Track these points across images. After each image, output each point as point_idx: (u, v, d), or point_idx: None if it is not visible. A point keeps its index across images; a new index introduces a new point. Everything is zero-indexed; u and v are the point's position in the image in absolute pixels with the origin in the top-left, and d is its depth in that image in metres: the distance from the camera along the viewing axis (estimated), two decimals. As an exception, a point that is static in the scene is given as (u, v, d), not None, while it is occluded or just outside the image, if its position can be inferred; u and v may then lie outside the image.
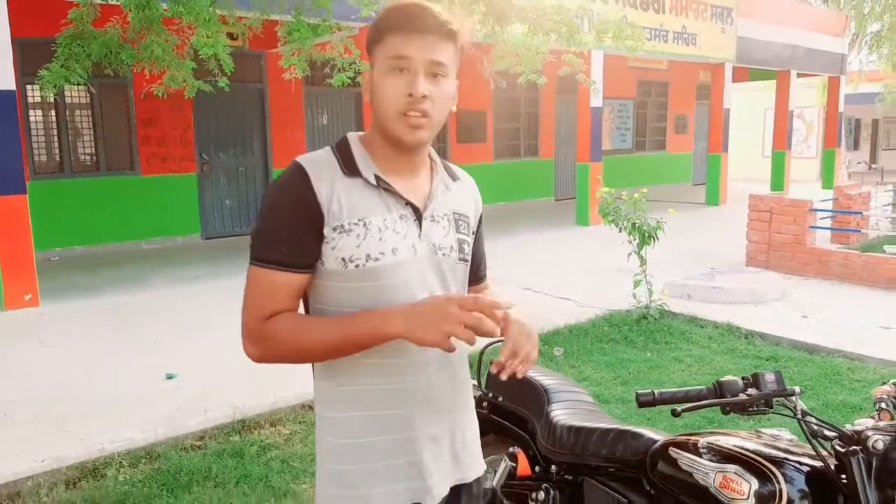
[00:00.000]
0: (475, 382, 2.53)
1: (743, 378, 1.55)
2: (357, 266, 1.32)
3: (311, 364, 1.43)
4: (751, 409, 1.50)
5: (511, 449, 2.24)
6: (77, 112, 9.18)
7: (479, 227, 1.58)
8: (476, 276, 1.61)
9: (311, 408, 4.03)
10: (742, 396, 1.50)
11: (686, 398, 1.54)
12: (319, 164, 1.34)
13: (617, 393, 4.33)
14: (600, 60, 10.93)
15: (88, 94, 8.96)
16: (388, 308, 1.30)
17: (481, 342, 2.55)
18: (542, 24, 3.86)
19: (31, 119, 8.75)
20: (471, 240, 1.50)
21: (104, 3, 3.99)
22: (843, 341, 5.24)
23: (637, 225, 5.72)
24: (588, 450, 2.00)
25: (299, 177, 1.32)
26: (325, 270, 1.34)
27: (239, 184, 10.47)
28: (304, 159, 1.35)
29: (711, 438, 1.69)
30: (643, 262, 5.80)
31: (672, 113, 17.40)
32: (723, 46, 13.21)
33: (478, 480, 1.53)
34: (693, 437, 1.73)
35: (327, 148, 1.40)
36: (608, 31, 4.17)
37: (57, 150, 9.05)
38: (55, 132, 9.00)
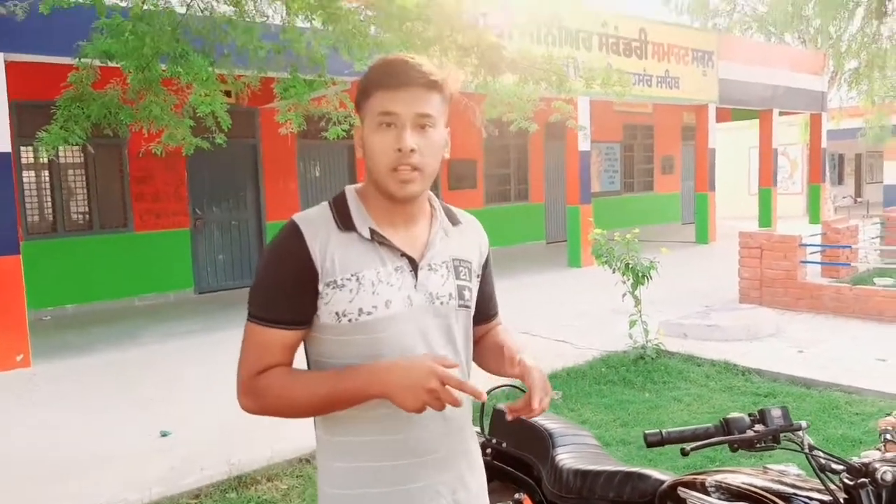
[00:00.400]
0: (478, 429, 2.54)
1: (749, 414, 1.56)
2: (350, 320, 1.34)
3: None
4: (758, 445, 1.51)
5: (517, 495, 2.23)
6: (71, 172, 9.25)
7: (486, 267, 1.59)
8: (486, 315, 1.62)
9: (308, 461, 3.98)
10: (749, 433, 1.51)
11: (694, 437, 1.55)
12: (314, 222, 1.37)
13: (617, 435, 4.31)
14: (587, 106, 11.17)
15: (82, 154, 9.05)
16: (374, 366, 1.31)
17: (481, 384, 2.56)
18: (533, 74, 3.98)
19: (25, 180, 8.81)
20: (473, 285, 1.50)
21: (104, 65, 4.08)
22: (839, 375, 5.26)
23: (630, 265, 5.77)
24: (595, 493, 1.99)
25: (294, 236, 1.35)
26: (320, 324, 1.36)
27: (232, 238, 10.51)
28: (299, 218, 1.38)
29: (719, 476, 1.69)
30: (638, 302, 5.83)
31: (658, 154, 17.70)
32: (705, 89, 13.54)
33: None
34: (701, 476, 1.73)
35: (325, 203, 1.43)
36: (596, 78, 4.29)
37: (50, 210, 9.08)
38: (48, 192, 9.05)
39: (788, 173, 22.75)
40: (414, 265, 1.39)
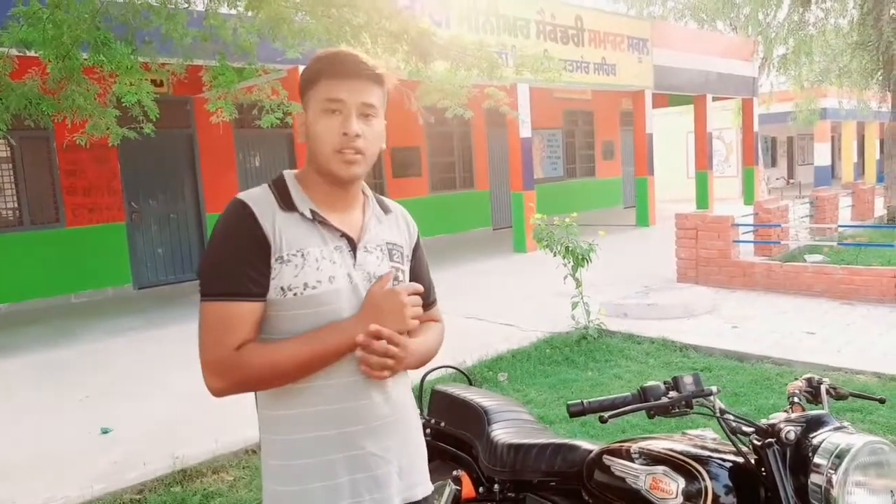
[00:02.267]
0: (418, 410, 2.57)
1: (664, 382, 1.63)
2: (295, 294, 1.39)
3: (253, 395, 1.49)
4: (673, 410, 1.57)
5: (455, 472, 2.27)
6: (-4, 166, 8.88)
7: (417, 253, 1.66)
8: (423, 302, 1.66)
9: (255, 452, 3.95)
10: (664, 399, 1.58)
11: (613, 405, 1.60)
12: (259, 199, 1.43)
13: (561, 413, 4.40)
14: (526, 92, 11.28)
15: (8, 148, 8.68)
16: (345, 320, 1.41)
17: (421, 371, 2.60)
18: (464, 60, 4.00)
19: (-53, 176, 8.42)
20: (405, 267, 1.58)
21: (22, 54, 3.92)
22: (770, 348, 5.49)
23: (570, 248, 5.88)
24: (528, 466, 2.04)
25: (244, 211, 1.40)
26: (266, 299, 1.40)
27: (171, 231, 10.25)
28: (244, 195, 1.44)
29: (643, 443, 1.76)
30: (579, 284, 5.96)
31: (599, 140, 18.01)
32: (641, 75, 13.82)
33: (425, 499, 1.57)
34: (626, 444, 1.80)
35: (264, 185, 1.49)
36: (526, 65, 4.35)
37: (-24, 206, 8.70)
38: (-27, 188, 8.67)
39: (724, 157, 23.47)
40: (353, 245, 1.47)
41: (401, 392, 1.54)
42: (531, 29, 11.38)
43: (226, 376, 1.37)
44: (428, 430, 2.43)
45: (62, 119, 4.01)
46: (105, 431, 4.40)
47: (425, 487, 1.58)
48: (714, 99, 16.75)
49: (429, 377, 2.55)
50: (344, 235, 1.46)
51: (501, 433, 2.19)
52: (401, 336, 1.43)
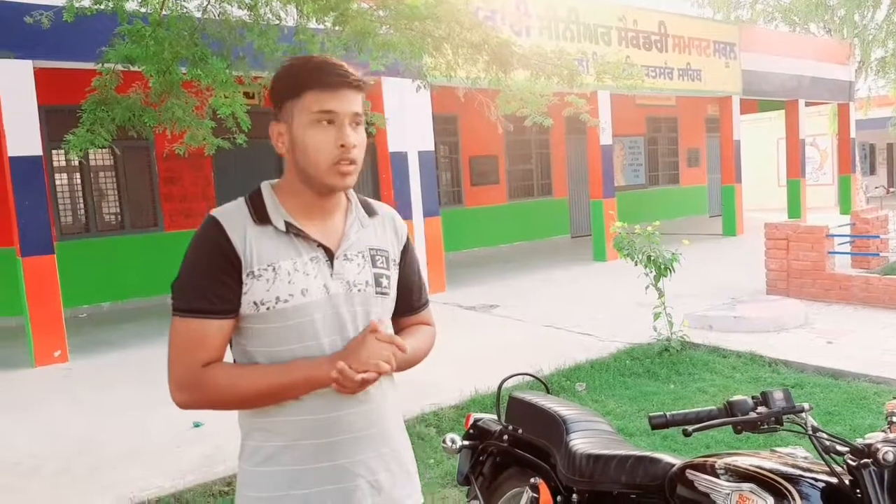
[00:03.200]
0: (495, 416, 2.58)
1: (753, 397, 1.58)
2: (268, 308, 1.39)
3: None
4: (761, 426, 1.53)
5: (532, 480, 2.26)
6: (101, 174, 9.49)
7: (406, 256, 1.62)
8: (410, 306, 1.66)
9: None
10: (752, 415, 1.53)
11: (697, 419, 1.57)
12: (231, 216, 1.43)
13: (641, 426, 4.31)
14: (607, 100, 11.12)
15: (112, 156, 9.27)
16: (318, 359, 1.40)
17: (499, 375, 2.61)
18: (545, 69, 3.99)
19: (57, 182, 9.05)
20: (391, 272, 1.56)
21: (126, 69, 4.20)
22: (867, 365, 5.19)
23: (652, 258, 5.75)
24: (608, 477, 2.02)
25: (215, 229, 1.40)
26: (241, 314, 1.41)
27: (259, 236, 10.64)
28: (216, 212, 1.44)
29: (728, 459, 1.71)
30: (661, 294, 5.81)
31: (683, 147, 17.53)
32: (728, 80, 13.38)
33: None
34: (710, 459, 1.75)
35: (240, 199, 1.49)
36: (608, 72, 4.29)
37: (82, 212, 9.33)
38: (80, 194, 9.30)
39: (818, 164, 22.35)
40: (330, 255, 1.45)
41: (384, 404, 1.52)
42: (612, 36, 11.22)
43: (189, 392, 1.39)
44: (505, 437, 2.45)
45: (162, 130, 4.26)
46: (197, 425, 4.62)
47: (406, 497, 1.54)
48: (807, 104, 16.00)
49: (506, 384, 2.56)
50: (320, 245, 1.45)
51: (580, 443, 2.17)
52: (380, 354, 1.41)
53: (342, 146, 1.40)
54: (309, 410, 1.42)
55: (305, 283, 1.41)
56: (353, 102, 1.41)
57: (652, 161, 16.78)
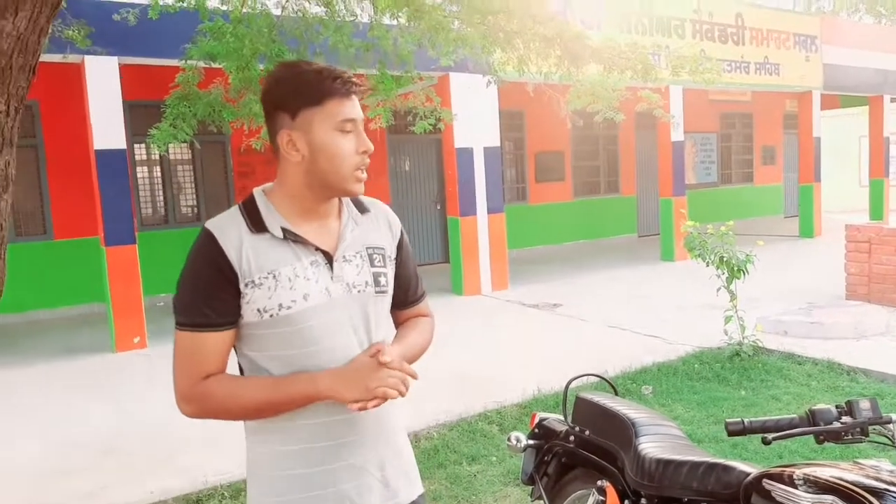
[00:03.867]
0: (561, 417, 2.56)
1: (837, 406, 1.52)
2: (272, 316, 1.41)
3: None
4: (845, 437, 1.47)
5: (599, 482, 2.23)
6: (180, 167, 9.87)
7: (402, 251, 1.63)
8: (407, 299, 1.67)
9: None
10: (836, 424, 1.47)
11: (777, 427, 1.52)
12: (226, 227, 1.43)
13: (710, 432, 4.20)
14: (679, 95, 10.84)
15: (190, 151, 9.63)
16: (317, 372, 1.41)
17: (563, 374, 2.58)
18: (617, 63, 3.92)
19: (139, 175, 9.46)
20: (388, 270, 1.56)
21: (208, 66, 4.35)
22: (957, 377, 4.90)
23: (725, 258, 5.58)
24: (679, 483, 1.97)
25: (209, 242, 1.41)
26: (244, 321, 1.43)
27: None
28: (211, 224, 1.44)
29: (808, 470, 1.64)
30: (733, 297, 5.63)
31: (758, 144, 16.92)
32: (808, 75, 12.83)
33: (414, 503, 1.59)
34: (788, 469, 1.69)
35: (235, 207, 1.49)
36: (684, 66, 4.18)
37: (162, 204, 9.72)
38: (160, 187, 9.69)
39: (904, 163, 21.20)
40: (329, 258, 1.46)
41: (390, 403, 1.51)
42: (686, 28, 10.92)
43: (191, 403, 1.43)
44: (571, 438, 2.42)
45: (240, 125, 4.39)
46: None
47: (414, 490, 1.60)
48: (892, 100, 15.18)
49: (572, 385, 2.53)
50: (319, 250, 1.46)
51: (650, 447, 2.13)
52: (397, 372, 1.42)
53: (364, 152, 1.44)
54: (323, 413, 1.44)
55: (307, 287, 1.42)
56: (360, 108, 1.46)
57: (725, 158, 16.26)
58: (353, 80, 1.43)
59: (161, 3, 4.34)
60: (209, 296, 1.40)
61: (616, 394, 2.60)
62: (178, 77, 4.26)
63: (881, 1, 19.67)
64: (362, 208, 1.58)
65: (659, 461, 2.04)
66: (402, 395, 1.41)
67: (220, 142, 9.72)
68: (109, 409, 5.14)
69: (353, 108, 1.42)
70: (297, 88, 1.42)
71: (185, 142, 4.30)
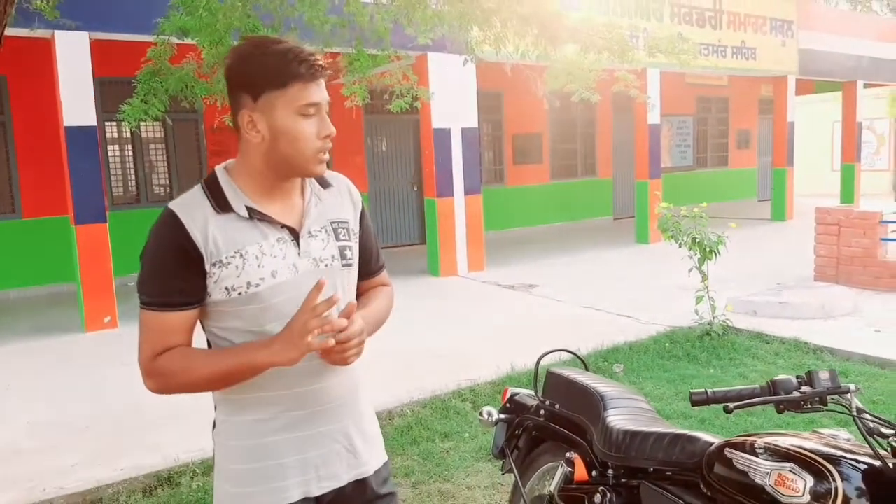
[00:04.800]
0: (532, 392, 2.60)
1: (797, 376, 1.56)
2: (240, 294, 1.41)
3: None
4: (805, 406, 1.51)
5: (568, 454, 2.28)
6: (151, 146, 9.72)
7: (363, 223, 1.65)
8: (368, 270, 1.68)
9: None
10: (795, 394, 1.51)
11: (739, 396, 1.56)
12: (191, 207, 1.42)
13: (679, 409, 4.29)
14: (657, 77, 10.89)
15: (162, 129, 9.47)
16: (258, 341, 1.41)
17: (536, 353, 2.62)
18: (595, 43, 3.93)
19: (109, 154, 9.30)
20: (353, 243, 1.58)
21: (181, 41, 4.28)
22: (919, 356, 5.04)
23: (697, 240, 5.66)
24: (645, 454, 2.01)
25: (173, 223, 1.40)
26: (212, 300, 1.43)
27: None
28: (175, 205, 1.43)
29: (769, 439, 1.69)
30: (705, 277, 5.72)
31: (734, 128, 17.09)
32: (784, 59, 12.95)
33: (378, 471, 1.62)
34: (750, 438, 1.74)
35: (197, 187, 1.48)
36: (660, 47, 4.20)
37: (133, 183, 9.58)
38: (131, 165, 9.54)
39: (875, 149, 21.55)
40: (295, 234, 1.47)
41: (354, 371, 1.57)
42: (664, 12, 10.94)
43: (153, 378, 1.44)
44: (542, 412, 2.46)
45: (213, 102, 4.34)
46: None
47: (378, 460, 1.63)
48: (866, 86, 15.41)
49: (543, 361, 2.56)
50: (284, 226, 1.46)
51: (618, 419, 2.17)
52: (353, 328, 1.41)
53: (326, 136, 1.43)
54: (288, 384, 1.46)
55: (274, 265, 1.43)
56: (324, 91, 1.44)
57: (700, 142, 16.41)
58: (319, 62, 1.42)
59: (132, -25, 4.26)
60: (174, 276, 1.40)
61: (587, 369, 2.64)
62: (150, 52, 4.19)
63: (856, -13, 19.89)
64: (325, 183, 1.58)
65: (626, 432, 2.09)
66: (326, 346, 1.39)
67: (193, 119, 9.58)
68: (80, 388, 5.10)
69: (317, 91, 1.41)
70: (260, 70, 1.39)
71: (156, 119, 4.24)
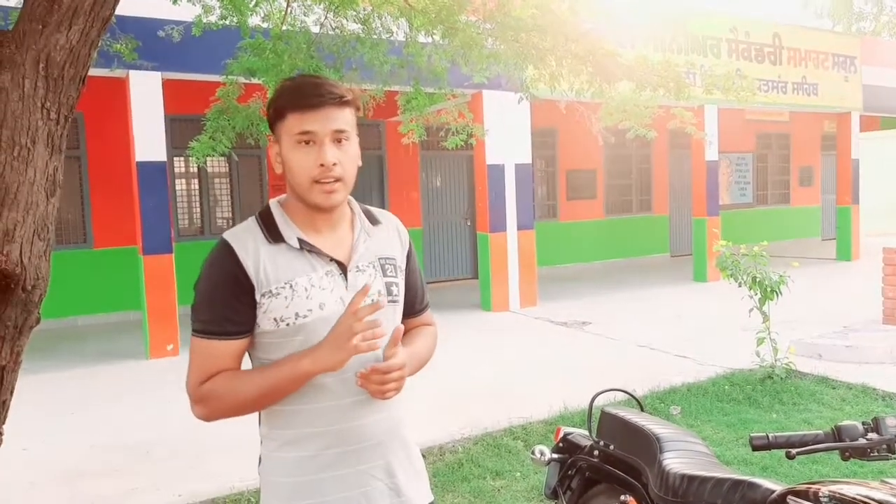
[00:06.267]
0: (586, 431, 2.56)
1: (863, 423, 1.51)
2: (288, 324, 1.44)
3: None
4: (871, 454, 1.45)
5: (623, 497, 2.23)
6: (216, 180, 10.09)
7: (410, 261, 1.66)
8: (413, 309, 1.68)
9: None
10: (861, 441, 1.46)
11: (802, 442, 1.51)
12: (244, 238, 1.46)
13: (739, 454, 4.14)
14: (714, 114, 10.77)
15: (227, 164, 9.83)
16: (301, 351, 1.42)
17: (590, 392, 2.59)
18: (650, 80, 3.94)
19: (177, 188, 9.69)
20: (399, 280, 1.59)
21: (247, 81, 4.48)
22: None
23: (758, 279, 5.51)
24: (702, 499, 1.96)
25: (227, 253, 1.44)
26: (261, 330, 1.46)
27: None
28: (229, 235, 1.48)
29: (834, 487, 1.63)
30: (766, 318, 5.55)
31: (795, 165, 16.67)
32: (847, 95, 12.64)
33: None
34: (814, 486, 1.67)
35: (252, 218, 1.53)
36: (716, 84, 4.17)
37: (198, 215, 9.93)
38: (197, 199, 9.91)
39: (947, 186, 20.65)
40: (343, 268, 1.49)
41: (397, 408, 1.56)
42: (722, 48, 10.86)
43: (200, 404, 1.46)
44: (596, 452, 2.42)
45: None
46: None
47: (421, 499, 1.60)
48: (935, 122, 14.88)
49: (598, 401, 2.53)
50: (333, 260, 1.48)
51: (675, 462, 2.12)
52: (394, 361, 1.43)
53: (321, 165, 1.42)
54: (330, 421, 1.47)
55: (322, 297, 1.45)
56: (334, 120, 1.43)
57: (761, 179, 16.05)
58: (319, 91, 1.43)
59: (204, 20, 4.49)
60: (225, 305, 1.43)
61: (642, 410, 2.59)
62: (219, 91, 4.40)
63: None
64: (374, 220, 1.61)
65: (683, 476, 2.03)
66: (374, 348, 1.41)
67: (257, 156, 9.92)
68: (142, 414, 5.25)
69: (312, 120, 1.42)
70: (271, 104, 1.48)
71: (223, 155, 4.42)
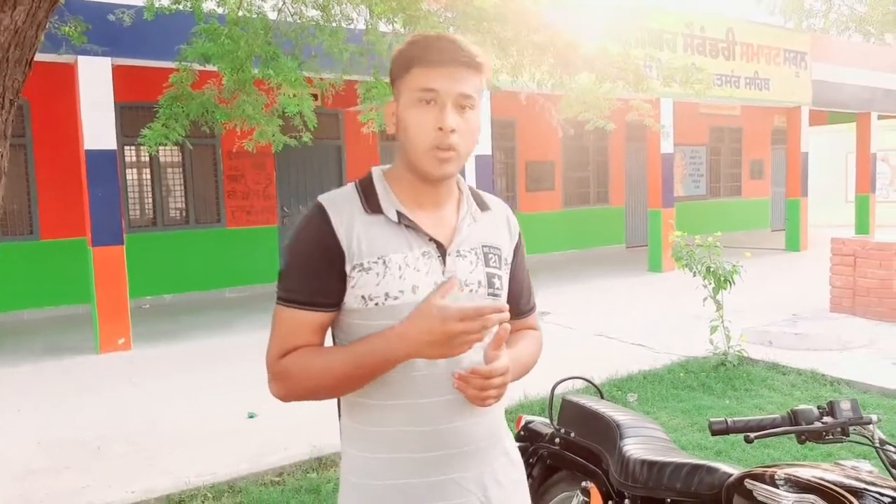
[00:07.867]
0: (547, 419, 2.58)
1: (818, 406, 1.55)
2: (377, 304, 1.29)
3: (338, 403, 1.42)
4: (826, 437, 1.49)
5: (584, 484, 2.25)
6: (169, 170, 9.85)
7: (517, 255, 1.50)
8: (518, 309, 1.52)
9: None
10: (817, 424, 1.50)
11: (759, 426, 1.54)
12: (340, 204, 1.33)
13: (694, 439, 4.24)
14: (670, 107, 10.95)
15: (180, 153, 9.61)
16: (390, 331, 1.26)
17: (550, 380, 2.60)
18: (609, 72, 3.97)
19: (128, 177, 9.43)
20: (503, 272, 1.43)
21: (202, 67, 4.37)
22: (938, 389, 4.97)
23: (712, 269, 5.63)
24: (662, 484, 1.99)
25: (320, 218, 1.31)
26: (346, 307, 1.32)
27: (316, 235, 10.88)
28: (325, 199, 1.34)
29: (789, 470, 1.67)
30: (719, 307, 5.68)
31: (747, 158, 17.10)
32: (797, 90, 13.00)
33: None
34: (770, 469, 1.72)
35: (351, 184, 1.39)
36: (675, 76, 4.23)
37: (150, 206, 9.69)
38: (149, 189, 9.66)
39: (889, 180, 21.45)
40: (442, 250, 1.34)
41: (495, 415, 1.42)
42: (678, 42, 11.04)
43: (276, 381, 1.33)
44: (557, 440, 2.44)
45: (232, 127, 4.41)
46: (251, 416, 4.75)
47: None
48: (880, 117, 15.42)
49: (558, 389, 2.55)
50: (432, 240, 1.33)
51: (634, 448, 2.15)
52: (498, 365, 1.28)
53: (440, 129, 1.26)
54: (422, 420, 1.32)
55: (416, 279, 1.30)
56: (461, 82, 1.28)
57: (714, 172, 16.42)
58: (452, 47, 1.28)
59: (157, 4, 4.36)
60: (313, 275, 1.30)
61: (602, 397, 2.62)
62: (172, 77, 4.28)
63: (870, 20, 19.97)
64: (483, 205, 1.45)
65: (643, 462, 2.06)
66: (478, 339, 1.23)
67: (211, 145, 9.70)
68: (93, 409, 5.11)
69: (437, 78, 1.26)
70: (396, 58, 1.33)
71: (176, 143, 4.31)
